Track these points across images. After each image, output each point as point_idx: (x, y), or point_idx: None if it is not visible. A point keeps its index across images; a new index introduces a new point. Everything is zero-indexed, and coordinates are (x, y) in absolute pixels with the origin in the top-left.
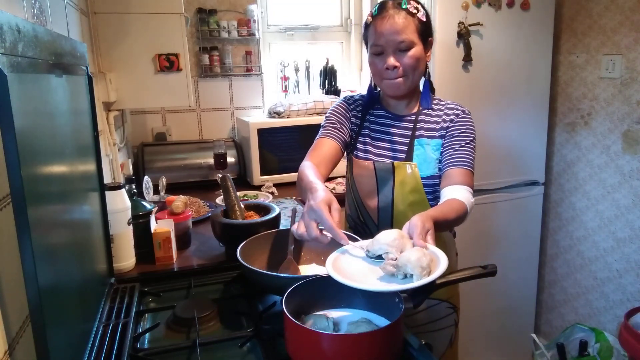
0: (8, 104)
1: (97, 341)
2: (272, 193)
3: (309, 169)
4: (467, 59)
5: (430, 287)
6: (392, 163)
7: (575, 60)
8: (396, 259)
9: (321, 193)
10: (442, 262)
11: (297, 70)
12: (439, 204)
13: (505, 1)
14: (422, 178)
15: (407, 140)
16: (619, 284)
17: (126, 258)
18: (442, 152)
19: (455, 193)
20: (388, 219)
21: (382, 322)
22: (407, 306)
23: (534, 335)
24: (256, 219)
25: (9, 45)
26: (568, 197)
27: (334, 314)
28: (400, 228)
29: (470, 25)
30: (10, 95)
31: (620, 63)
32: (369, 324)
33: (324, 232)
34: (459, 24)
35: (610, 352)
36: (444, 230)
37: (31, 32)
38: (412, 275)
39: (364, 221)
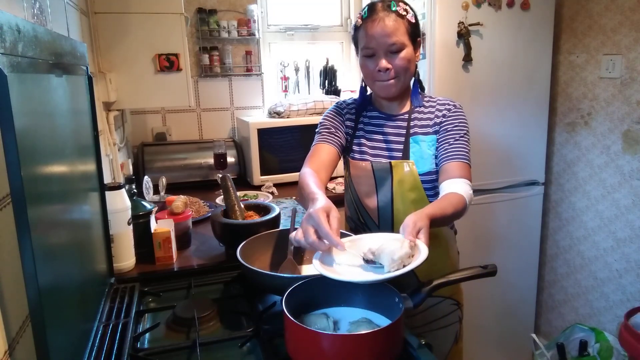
0: (8, 104)
1: (97, 341)
2: (272, 193)
3: (310, 177)
4: (467, 59)
5: (432, 288)
6: (390, 162)
7: (575, 60)
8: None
9: (321, 201)
10: (420, 256)
11: (297, 70)
12: (437, 199)
13: (505, 1)
14: (420, 175)
15: (402, 139)
16: (619, 284)
17: (126, 258)
18: (437, 147)
19: (454, 187)
20: (388, 218)
21: (382, 321)
22: (407, 306)
23: (534, 335)
24: (256, 219)
25: (9, 45)
26: (568, 197)
27: (334, 313)
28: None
29: (470, 25)
30: (10, 95)
31: (620, 63)
32: (369, 324)
33: (322, 239)
34: (459, 24)
35: (610, 352)
36: (444, 225)
37: (31, 32)
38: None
39: (364, 222)
